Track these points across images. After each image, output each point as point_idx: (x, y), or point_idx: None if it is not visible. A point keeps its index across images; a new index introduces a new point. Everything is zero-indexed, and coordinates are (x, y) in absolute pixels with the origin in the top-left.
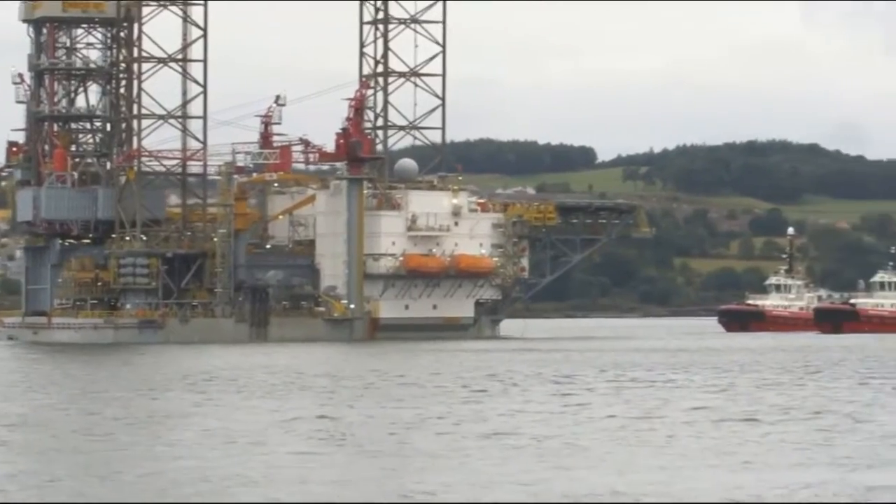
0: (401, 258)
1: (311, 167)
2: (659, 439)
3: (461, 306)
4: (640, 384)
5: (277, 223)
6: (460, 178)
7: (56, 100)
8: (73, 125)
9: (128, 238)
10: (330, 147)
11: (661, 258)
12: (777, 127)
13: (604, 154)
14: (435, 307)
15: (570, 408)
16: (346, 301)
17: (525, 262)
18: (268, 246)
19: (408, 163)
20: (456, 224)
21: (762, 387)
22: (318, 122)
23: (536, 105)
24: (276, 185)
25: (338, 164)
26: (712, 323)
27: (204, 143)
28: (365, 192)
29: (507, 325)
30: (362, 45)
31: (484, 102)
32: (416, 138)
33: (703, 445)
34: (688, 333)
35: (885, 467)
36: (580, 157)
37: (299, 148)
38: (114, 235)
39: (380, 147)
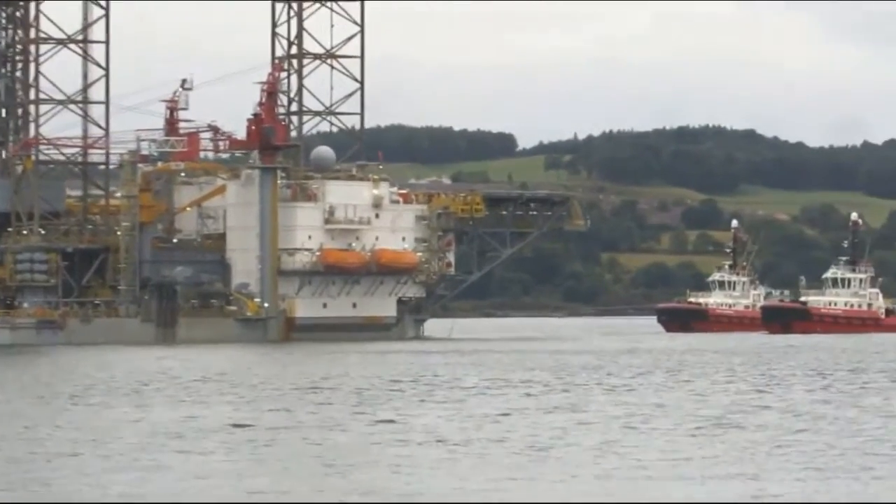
0: (318, 253)
1: (221, 156)
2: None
3: (383, 305)
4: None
5: (185, 216)
6: (381, 166)
7: None
8: None
9: (25, 232)
10: (241, 134)
11: (588, 253)
12: (710, 111)
13: (524, 141)
14: (355, 306)
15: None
16: (259, 299)
17: (451, 258)
18: (175, 240)
19: (324, 151)
20: (377, 216)
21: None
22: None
23: (452, 88)
24: (182, 174)
25: (249, 153)
26: (648, 322)
27: (106, 129)
28: (279, 182)
29: (433, 325)
30: (275, 25)
31: (395, 85)
32: (332, 124)
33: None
34: (626, 334)
35: None
36: (499, 145)
37: (208, 135)
38: (10, 229)
39: (294, 134)
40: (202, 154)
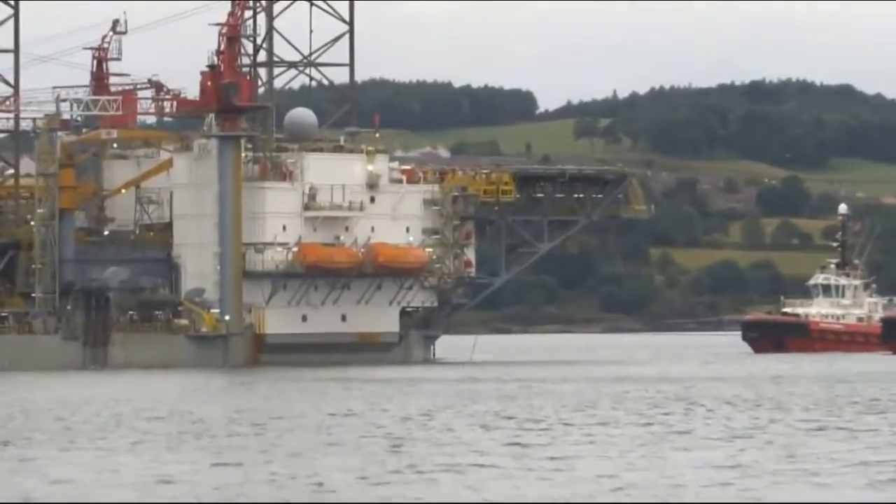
0: (295, 249)
1: (166, 120)
2: None
3: (381, 317)
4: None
5: (119, 200)
6: (377, 135)
7: None
8: None
9: None
10: (192, 92)
11: (633, 248)
12: (792, 62)
13: (547, 101)
14: (344, 318)
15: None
16: (217, 310)
17: (471, 254)
18: (106, 232)
19: (302, 114)
20: (372, 200)
21: None
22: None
23: (450, 32)
24: (115, 146)
25: (203, 117)
26: (726, 340)
27: (15, 87)
28: (243, 155)
29: (446, 344)
30: None
31: (377, 29)
32: (313, 79)
33: None
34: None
35: None
36: (513, 105)
37: (148, 93)
38: None
39: (263, 91)
40: (140, 119)
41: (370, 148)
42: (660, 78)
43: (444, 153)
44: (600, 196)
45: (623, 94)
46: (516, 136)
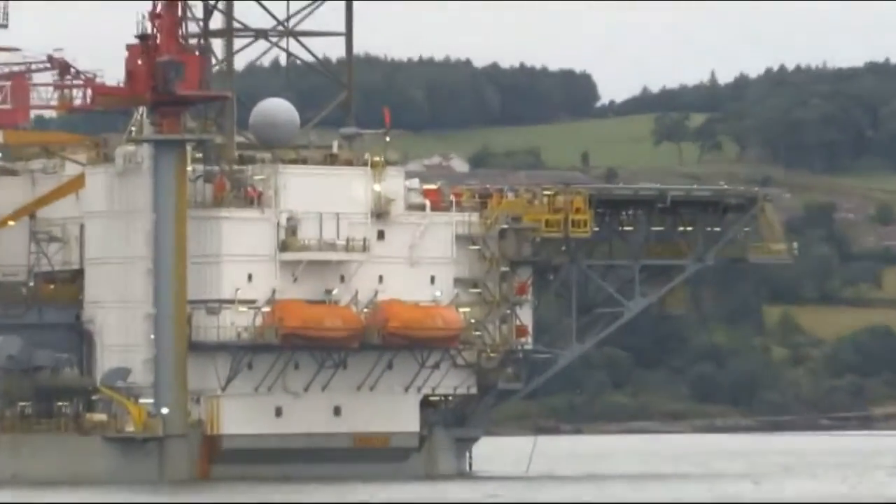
0: (266, 309)
1: (76, 117)
2: None
3: (393, 411)
4: None
5: (5, 236)
6: (388, 138)
7: None
8: None
9: None
10: (114, 76)
11: (739, 307)
12: None
13: (612, 89)
14: (338, 412)
15: None
16: (150, 401)
17: (527, 317)
18: None
19: (277, 108)
20: (381, 237)
21: None
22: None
23: None
24: (0, 156)
25: (130, 112)
26: (886, 444)
27: None
28: (190, 169)
29: (489, 449)
30: None
31: None
32: (291, 56)
33: None
34: None
35: None
36: (563, 96)
37: (47, 77)
38: None
39: (218, 72)
40: (36, 114)
41: (378, 158)
42: (779, 56)
43: (459, 165)
44: (717, 230)
45: (725, 78)
46: (567, 141)
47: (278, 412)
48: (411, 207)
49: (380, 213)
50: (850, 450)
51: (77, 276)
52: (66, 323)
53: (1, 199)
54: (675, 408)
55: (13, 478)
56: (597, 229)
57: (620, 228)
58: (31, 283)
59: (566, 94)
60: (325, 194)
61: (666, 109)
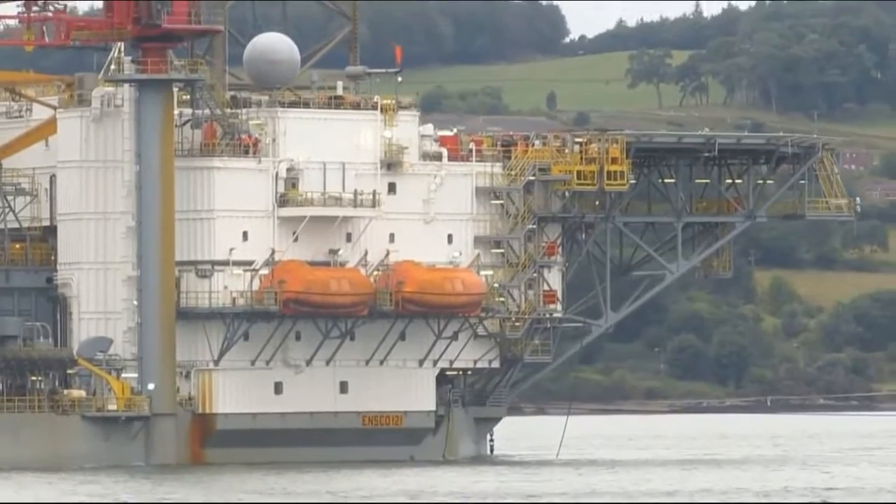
0: (264, 272)
1: (45, 54)
2: None
3: (406, 386)
4: None
5: None
6: (399, 79)
7: None
8: None
9: None
10: (89, 7)
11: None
12: None
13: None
14: (344, 388)
15: None
16: (133, 375)
17: (555, 281)
18: None
19: (275, 44)
20: (393, 190)
21: None
22: None
23: None
24: None
25: (107, 48)
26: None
27: None
28: (177, 113)
29: (511, 429)
30: None
31: None
32: None
33: None
34: None
35: None
36: (526, 31)
37: (10, 8)
38: None
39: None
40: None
41: (389, 100)
42: None
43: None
44: (769, 183)
45: (711, 10)
46: (531, 82)
47: (278, 388)
48: (426, 157)
49: (391, 162)
50: (852, 431)
51: (48, 233)
52: (36, 287)
53: None
54: (652, 385)
55: None
56: (634, 182)
57: (661, 181)
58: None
59: (530, 29)
60: (328, 142)
61: (643, 46)
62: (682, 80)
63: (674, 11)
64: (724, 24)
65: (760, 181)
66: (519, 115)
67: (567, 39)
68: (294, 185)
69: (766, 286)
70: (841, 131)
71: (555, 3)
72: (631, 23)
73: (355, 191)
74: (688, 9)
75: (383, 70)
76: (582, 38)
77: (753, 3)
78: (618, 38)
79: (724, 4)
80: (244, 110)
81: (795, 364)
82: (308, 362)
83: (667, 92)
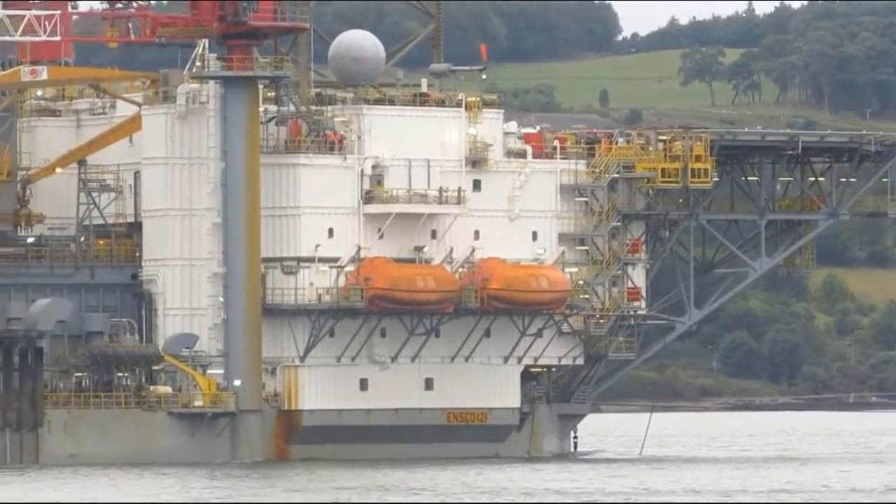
0: (350, 269)
1: (129, 51)
2: None
3: (491, 383)
4: None
5: (50, 186)
6: (484, 76)
7: None
8: None
9: None
10: (175, 7)
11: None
12: None
13: (633, 22)
14: (429, 385)
15: None
16: (219, 371)
17: (639, 279)
18: (30, 240)
19: (362, 42)
20: (478, 187)
21: None
22: None
23: None
24: (40, 94)
25: (193, 45)
26: None
27: None
28: (262, 110)
29: (593, 426)
30: None
31: None
32: None
33: None
34: None
35: None
36: (578, 28)
37: (93, 5)
38: None
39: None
40: (80, 50)
41: (474, 98)
42: None
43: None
44: (852, 181)
45: (764, 8)
46: (583, 79)
47: (363, 385)
48: (510, 154)
49: (475, 160)
50: None
51: (132, 230)
52: (121, 283)
53: (46, 143)
54: (705, 382)
55: (70, 458)
56: (717, 179)
57: (744, 179)
58: (82, 239)
59: (582, 27)
60: (414, 139)
61: (696, 44)
62: (734, 79)
63: (726, 9)
64: (777, 23)
65: (843, 179)
66: (571, 112)
67: (619, 37)
68: (379, 182)
69: (819, 284)
70: (894, 129)
71: (607, 1)
72: (683, 21)
73: (440, 188)
74: (740, 7)
75: (468, 67)
76: (634, 35)
77: (806, 2)
78: (670, 36)
79: (777, 3)
80: (329, 107)
81: (847, 362)
82: (393, 359)
83: (719, 90)
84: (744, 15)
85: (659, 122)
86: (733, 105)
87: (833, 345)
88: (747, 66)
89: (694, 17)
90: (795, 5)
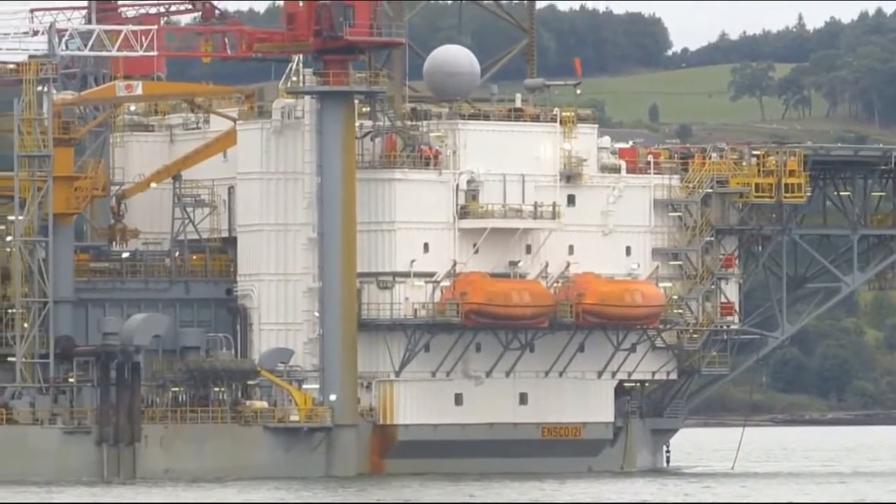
0: (446, 284)
1: (222, 66)
2: None
3: (586, 398)
4: None
5: (145, 201)
6: (578, 91)
7: None
8: None
9: None
10: (269, 22)
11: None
12: None
13: (683, 36)
14: (524, 400)
15: None
16: (315, 386)
17: (732, 293)
18: (125, 255)
19: (457, 57)
20: (572, 202)
21: None
22: None
23: None
24: (133, 109)
25: (288, 60)
26: None
27: None
28: (358, 125)
29: (685, 441)
30: None
31: None
32: None
33: None
34: None
35: None
36: (628, 43)
37: (187, 19)
38: None
39: (386, 13)
40: (175, 63)
41: (569, 113)
42: None
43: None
44: None
45: (814, 23)
46: (633, 95)
47: (458, 399)
48: (604, 169)
49: (570, 175)
50: None
51: (227, 244)
52: (216, 298)
53: (135, 157)
54: (754, 398)
55: (165, 473)
56: (809, 194)
57: (836, 193)
58: (177, 254)
59: (632, 42)
60: (509, 154)
61: (746, 59)
62: (784, 93)
63: (776, 24)
64: (827, 37)
65: None
66: (621, 127)
67: (670, 52)
68: (474, 197)
69: (869, 299)
70: None
71: (657, 15)
72: (733, 35)
73: (535, 203)
74: (790, 22)
75: (562, 82)
76: (685, 50)
77: (856, 17)
78: (720, 51)
79: (827, 17)
80: (424, 122)
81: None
82: (488, 374)
83: (769, 105)
84: (794, 30)
85: (708, 137)
86: (783, 120)
87: (882, 360)
88: (797, 80)
89: (744, 32)
90: (846, 20)
